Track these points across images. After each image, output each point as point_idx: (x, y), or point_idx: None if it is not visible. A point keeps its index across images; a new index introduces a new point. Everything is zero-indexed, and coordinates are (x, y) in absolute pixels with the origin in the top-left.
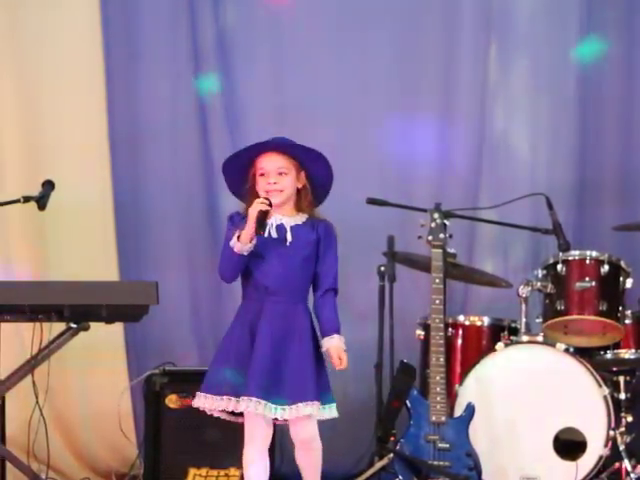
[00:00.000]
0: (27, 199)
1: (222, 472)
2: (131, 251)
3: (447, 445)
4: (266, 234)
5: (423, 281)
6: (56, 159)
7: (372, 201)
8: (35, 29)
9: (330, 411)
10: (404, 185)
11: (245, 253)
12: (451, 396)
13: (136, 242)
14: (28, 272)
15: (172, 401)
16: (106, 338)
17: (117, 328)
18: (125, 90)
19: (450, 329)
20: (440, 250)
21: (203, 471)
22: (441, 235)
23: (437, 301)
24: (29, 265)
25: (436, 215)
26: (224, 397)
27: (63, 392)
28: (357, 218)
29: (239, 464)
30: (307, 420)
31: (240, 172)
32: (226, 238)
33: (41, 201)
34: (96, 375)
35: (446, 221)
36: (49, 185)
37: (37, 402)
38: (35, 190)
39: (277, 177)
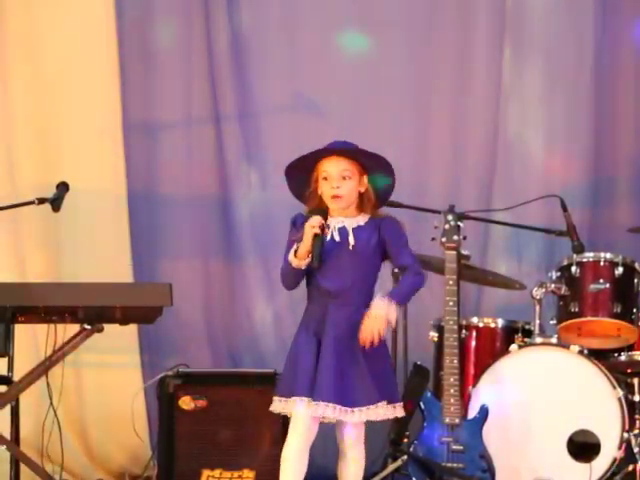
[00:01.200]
0: (42, 200)
1: (235, 474)
2: (145, 253)
3: (461, 447)
4: (328, 237)
5: (437, 283)
6: (70, 160)
7: (387, 203)
8: (49, 26)
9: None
10: (418, 186)
11: (303, 267)
12: (465, 398)
13: (150, 244)
14: (42, 274)
15: (186, 403)
16: (120, 339)
17: (131, 329)
18: (139, 89)
19: (464, 331)
20: (454, 252)
21: (216, 472)
22: (455, 237)
23: (451, 303)
24: (43, 267)
25: (450, 217)
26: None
27: (77, 393)
28: None
29: (252, 465)
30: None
31: (302, 175)
32: (287, 245)
33: (55, 202)
34: (110, 376)
35: (460, 223)
36: (63, 186)
37: (51, 403)
38: (49, 192)
39: (340, 181)
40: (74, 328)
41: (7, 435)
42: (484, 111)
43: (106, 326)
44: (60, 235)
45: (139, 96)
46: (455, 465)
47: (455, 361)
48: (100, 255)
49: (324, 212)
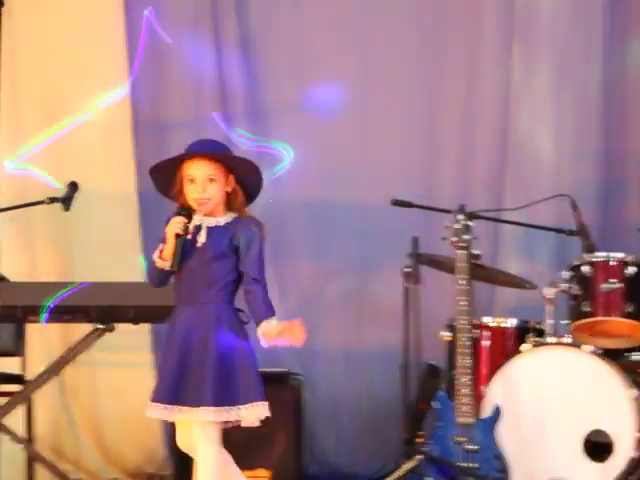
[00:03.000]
0: (52, 200)
1: (250, 473)
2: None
3: (475, 447)
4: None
5: (448, 283)
6: (80, 159)
7: (397, 202)
8: (58, 24)
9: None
10: (428, 186)
11: (167, 269)
12: (478, 397)
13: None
14: (54, 273)
15: None
16: (133, 339)
17: (144, 329)
18: (149, 88)
19: (476, 330)
20: (464, 251)
21: None
22: (465, 236)
23: (462, 302)
24: (55, 266)
25: (460, 216)
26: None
27: (91, 393)
28: (381, 219)
29: (267, 465)
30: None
31: (167, 174)
32: (158, 243)
33: (66, 202)
34: (124, 375)
35: (470, 222)
36: (73, 186)
37: (65, 403)
38: (59, 191)
39: (206, 184)
40: (87, 327)
41: (22, 434)
42: (494, 110)
43: (119, 325)
44: (71, 234)
45: (148, 95)
46: (470, 465)
47: (468, 361)
48: (111, 254)
49: (189, 212)
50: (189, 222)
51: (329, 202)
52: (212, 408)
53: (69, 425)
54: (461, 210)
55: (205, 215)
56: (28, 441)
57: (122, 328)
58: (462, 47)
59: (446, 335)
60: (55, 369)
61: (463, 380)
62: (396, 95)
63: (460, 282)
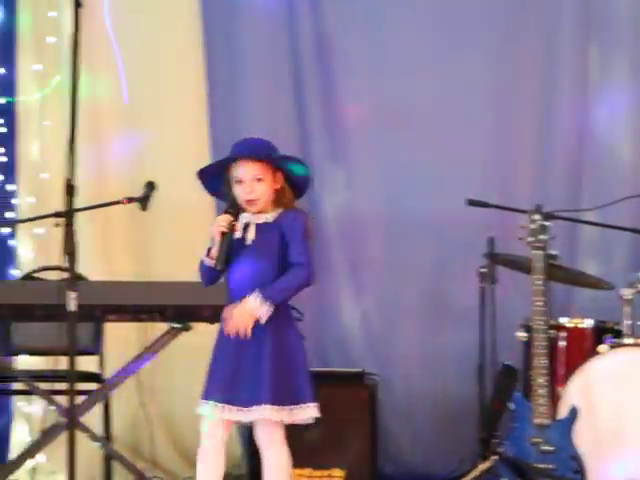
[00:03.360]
0: (130, 200)
1: (325, 473)
2: None
3: (552, 448)
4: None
5: (524, 283)
6: (158, 160)
7: (472, 202)
8: (137, 30)
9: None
10: (504, 186)
11: (217, 268)
12: (554, 398)
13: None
14: (131, 272)
15: None
16: (209, 338)
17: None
18: (226, 91)
19: (553, 331)
20: (541, 252)
21: (306, 471)
22: (541, 236)
23: (539, 303)
24: (132, 265)
25: (536, 216)
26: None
27: (168, 391)
28: (457, 219)
29: (342, 464)
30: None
31: (216, 175)
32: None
33: (143, 202)
34: (199, 374)
35: (547, 222)
36: (151, 186)
37: (142, 401)
38: (138, 191)
39: (254, 184)
40: (163, 326)
41: (99, 433)
42: (571, 110)
43: (195, 324)
44: (148, 234)
45: (225, 96)
46: (546, 466)
47: (544, 361)
48: (188, 254)
49: (236, 210)
50: (235, 220)
51: (405, 202)
52: (268, 407)
53: (146, 424)
54: (537, 210)
55: (254, 212)
56: (105, 439)
57: (198, 327)
58: (538, 47)
59: (522, 335)
60: (132, 368)
61: (540, 381)
62: (472, 95)
63: (536, 282)
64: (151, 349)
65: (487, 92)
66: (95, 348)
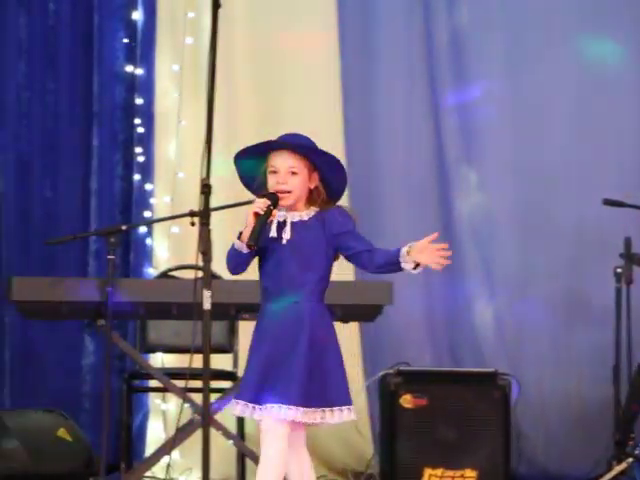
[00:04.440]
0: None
1: (458, 473)
2: None
3: None
4: (274, 228)
5: None
6: None
7: (608, 202)
8: (273, 29)
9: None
10: None
11: (244, 251)
12: None
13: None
14: None
15: (407, 401)
16: (342, 337)
17: (353, 327)
18: (360, 90)
19: None
20: None
21: (438, 471)
22: None
23: None
24: None
25: None
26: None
27: None
28: (593, 219)
29: (475, 465)
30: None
31: (252, 167)
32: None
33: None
34: None
35: None
36: None
37: None
38: None
39: (287, 176)
40: None
41: (233, 430)
42: None
43: None
44: None
45: (360, 94)
46: None
47: None
48: None
49: (275, 197)
50: (273, 206)
51: (539, 203)
52: (301, 409)
53: None
54: None
55: (288, 211)
56: (239, 437)
57: None
58: None
59: None
60: None
61: None
62: (610, 94)
63: None
64: None
65: (622, 92)
66: (229, 346)
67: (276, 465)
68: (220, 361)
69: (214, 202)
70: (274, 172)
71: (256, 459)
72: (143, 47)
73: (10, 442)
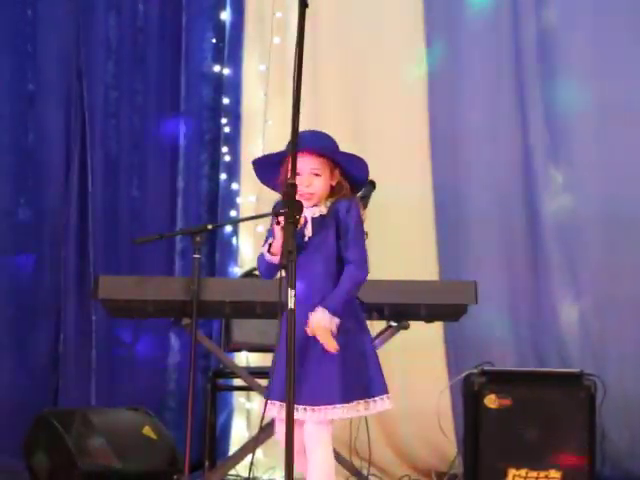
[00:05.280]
0: None
1: (542, 473)
2: (451, 250)
3: None
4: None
5: None
6: (378, 159)
7: None
8: (360, 30)
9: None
10: None
11: (276, 262)
12: None
13: (456, 242)
14: None
15: (491, 401)
16: (426, 337)
17: (437, 327)
18: (446, 89)
19: None
20: None
21: (522, 472)
22: None
23: None
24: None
25: None
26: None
27: None
28: None
29: (559, 466)
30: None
31: (273, 166)
32: (267, 234)
33: (363, 200)
34: (416, 373)
35: None
36: (370, 185)
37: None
38: None
39: (311, 178)
40: (380, 325)
41: None
42: None
43: (412, 323)
44: (368, 233)
45: (446, 93)
46: None
47: None
48: (407, 253)
49: (299, 206)
50: (298, 214)
51: (625, 203)
52: (339, 406)
53: (362, 422)
54: None
55: (308, 207)
56: None
57: (416, 326)
58: None
59: None
60: None
61: None
62: None
63: None
64: None
65: None
66: None
67: (325, 472)
68: None
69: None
70: (297, 175)
71: (339, 459)
72: (230, 47)
73: (96, 440)
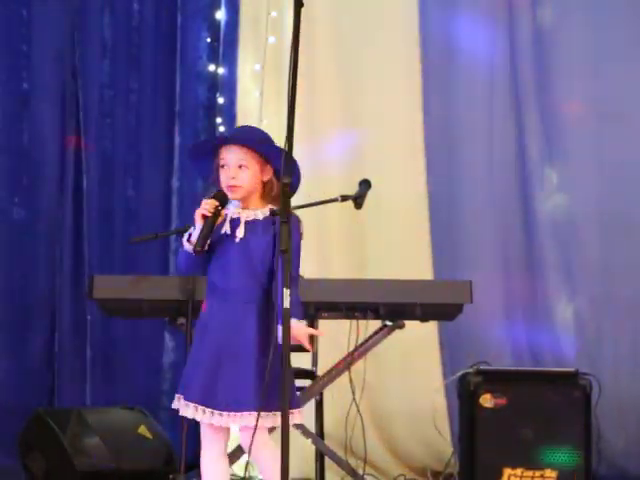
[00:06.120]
0: (345, 198)
1: (537, 473)
2: (446, 250)
3: None
4: (226, 227)
5: None
6: (373, 159)
7: None
8: (355, 29)
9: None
10: None
11: (197, 249)
12: None
13: (450, 241)
14: (345, 270)
15: (486, 400)
16: (421, 336)
17: (432, 326)
18: (441, 89)
19: None
20: None
21: (518, 471)
22: None
23: None
24: (347, 263)
25: None
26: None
27: (379, 389)
28: None
29: (555, 465)
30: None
31: (207, 160)
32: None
33: (358, 200)
34: (411, 372)
35: None
36: (365, 184)
37: (354, 399)
38: (353, 190)
39: (237, 170)
40: (376, 324)
41: (312, 429)
42: None
43: (407, 322)
44: (363, 232)
45: (440, 95)
46: None
47: None
48: (402, 252)
49: (222, 196)
50: (221, 206)
51: (620, 203)
52: (255, 414)
53: (357, 421)
54: None
55: (243, 208)
56: (318, 436)
57: (410, 325)
58: None
59: None
60: (345, 365)
61: None
62: None
63: None
64: (364, 346)
65: None
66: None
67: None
68: (300, 360)
69: (295, 201)
70: (223, 166)
71: (335, 458)
72: (225, 47)
73: (91, 439)
